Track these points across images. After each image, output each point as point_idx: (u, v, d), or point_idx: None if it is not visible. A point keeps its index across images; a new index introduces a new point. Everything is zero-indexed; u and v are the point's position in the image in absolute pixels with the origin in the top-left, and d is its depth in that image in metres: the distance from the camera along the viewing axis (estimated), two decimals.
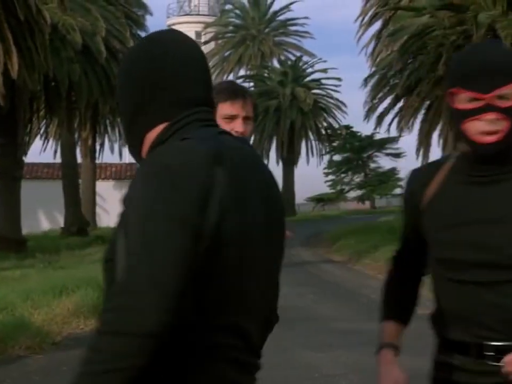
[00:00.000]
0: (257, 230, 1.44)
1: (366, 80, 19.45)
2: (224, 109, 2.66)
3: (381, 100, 18.90)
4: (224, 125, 2.61)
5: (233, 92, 2.69)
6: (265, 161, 40.55)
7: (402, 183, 45.21)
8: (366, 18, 25.38)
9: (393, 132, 23.08)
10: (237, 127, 2.64)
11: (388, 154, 50.91)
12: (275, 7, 45.64)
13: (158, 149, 1.44)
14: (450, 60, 11.02)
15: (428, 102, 18.16)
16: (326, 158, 46.47)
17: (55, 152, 29.73)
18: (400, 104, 18.93)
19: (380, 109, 19.54)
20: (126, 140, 1.59)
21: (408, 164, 52.14)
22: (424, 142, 18.47)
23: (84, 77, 21.31)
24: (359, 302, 9.96)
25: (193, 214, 1.34)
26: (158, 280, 1.29)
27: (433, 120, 17.95)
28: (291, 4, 42.96)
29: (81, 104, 21.73)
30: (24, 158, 22.07)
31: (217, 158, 1.40)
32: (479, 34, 16.20)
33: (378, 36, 24.58)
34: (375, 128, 19.81)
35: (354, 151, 50.80)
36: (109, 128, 29.09)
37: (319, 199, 53.86)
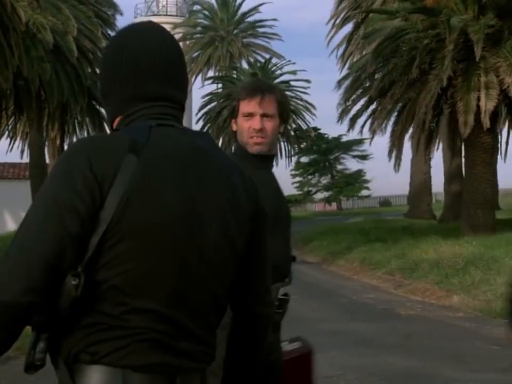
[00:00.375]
0: (170, 219, 1.46)
1: (339, 82, 19.55)
2: (242, 106, 2.71)
3: (354, 102, 19.02)
4: (243, 123, 2.70)
5: (251, 89, 2.71)
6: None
7: (369, 184, 45.09)
8: (338, 20, 25.59)
9: (366, 134, 23.30)
10: (254, 124, 2.66)
11: (354, 156, 51.39)
12: (243, 8, 45.70)
13: (87, 136, 1.61)
14: (424, 62, 11.12)
15: (400, 104, 18.30)
16: (295, 159, 46.68)
17: (22, 152, 29.40)
18: (373, 106, 19.07)
19: (353, 111, 19.66)
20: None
21: (374, 165, 52.57)
22: (396, 144, 18.61)
23: (55, 76, 21.06)
24: (340, 303, 10.01)
25: (76, 197, 1.40)
26: (19, 262, 1.37)
27: (406, 123, 18.10)
28: (260, 5, 43.12)
29: (51, 103, 21.47)
30: None
31: (132, 147, 1.45)
32: (452, 38, 16.40)
33: (349, 38, 24.81)
34: (348, 130, 19.85)
35: (321, 153, 51.10)
36: (77, 128, 28.81)
37: (287, 201, 54.08)
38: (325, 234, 21.52)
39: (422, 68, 16.89)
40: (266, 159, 2.73)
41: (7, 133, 26.63)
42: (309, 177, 52.99)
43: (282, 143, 39.05)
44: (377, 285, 12.18)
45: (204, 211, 1.51)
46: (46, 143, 26.76)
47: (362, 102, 19.22)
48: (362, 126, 19.71)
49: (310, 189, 53.73)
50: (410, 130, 18.96)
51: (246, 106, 2.68)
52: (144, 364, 1.43)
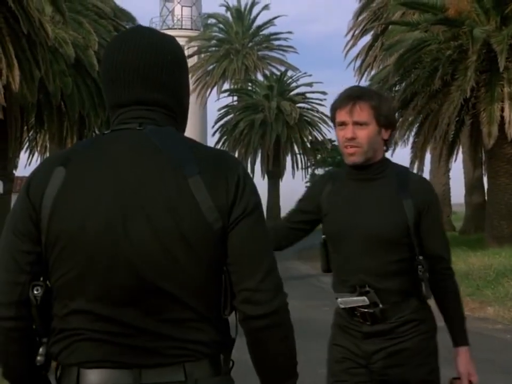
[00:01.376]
0: (95, 221, 1.52)
1: None
2: (336, 116, 2.67)
3: None
4: (338, 132, 2.66)
5: (342, 98, 2.66)
6: (251, 175, 40.82)
7: None
8: (356, 32, 25.63)
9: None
10: (346, 133, 2.61)
11: None
12: (258, 21, 45.86)
13: None
14: (446, 73, 11.08)
15: (421, 116, 18.28)
16: (310, 171, 46.61)
17: None
18: None
19: None
20: None
21: None
22: (418, 156, 18.57)
23: (76, 90, 21.19)
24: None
25: (18, 220, 1.56)
26: None
27: (428, 134, 18.06)
28: (275, 18, 43.28)
29: (72, 116, 21.58)
30: (14, 171, 21.86)
31: (63, 159, 1.56)
32: (475, 49, 16.40)
33: (368, 50, 24.84)
34: None
35: (336, 165, 51.11)
36: None
37: None
38: None
39: (444, 79, 16.88)
40: (366, 170, 2.64)
41: (25, 146, 26.78)
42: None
43: (298, 155, 39.09)
44: None
45: (136, 211, 1.52)
46: None
47: None
48: None
49: None
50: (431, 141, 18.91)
51: (338, 115, 2.64)
52: (89, 361, 1.53)
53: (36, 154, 28.82)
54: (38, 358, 1.58)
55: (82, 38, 21.00)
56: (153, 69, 1.59)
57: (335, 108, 2.66)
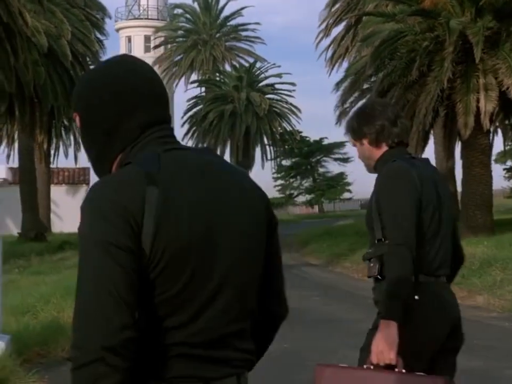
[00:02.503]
0: (195, 239, 1.55)
1: (337, 85, 19.62)
2: None
3: (353, 104, 19.11)
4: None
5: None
6: None
7: (350, 187, 45.19)
8: (329, 22, 25.66)
9: None
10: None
11: (336, 159, 51.59)
12: (226, 12, 45.67)
13: (107, 176, 1.62)
14: (423, 65, 11.27)
15: (398, 106, 18.42)
16: (277, 162, 46.70)
17: (8, 156, 29.10)
18: None
19: (348, 113, 19.75)
20: (97, 169, 1.71)
21: (355, 168, 52.89)
22: None
23: (49, 80, 20.88)
24: (368, 303, 10.04)
25: (119, 237, 1.49)
26: (97, 304, 1.46)
27: None
28: (242, 9, 43.10)
29: (45, 107, 21.28)
30: None
31: (149, 179, 1.54)
32: (452, 40, 16.57)
33: (340, 40, 24.93)
34: (346, 133, 19.89)
35: (303, 156, 51.23)
36: (63, 132, 28.64)
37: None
38: (321, 237, 21.59)
39: (421, 70, 17.04)
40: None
41: None
42: (291, 180, 53.09)
43: (267, 147, 39.13)
44: None
45: (227, 222, 1.60)
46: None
47: (359, 104, 19.31)
48: None
49: (292, 192, 53.84)
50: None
51: None
52: (180, 376, 1.53)
53: (3, 145, 28.45)
54: None
55: (54, 27, 20.70)
56: (164, 87, 1.72)
57: None
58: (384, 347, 2.63)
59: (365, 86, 19.20)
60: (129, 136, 1.64)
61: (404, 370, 2.63)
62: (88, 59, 23.05)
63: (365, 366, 2.70)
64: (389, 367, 2.64)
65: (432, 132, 19.76)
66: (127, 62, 1.70)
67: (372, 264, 2.80)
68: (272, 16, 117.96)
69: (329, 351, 6.42)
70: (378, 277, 2.77)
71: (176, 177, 1.58)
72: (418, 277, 2.76)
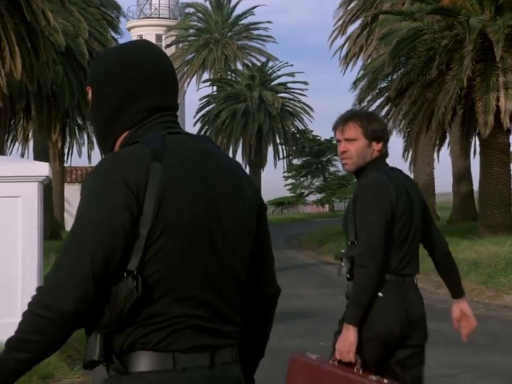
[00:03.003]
0: (196, 216, 1.64)
1: (355, 83, 19.57)
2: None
3: (371, 103, 19.06)
4: (338, 147, 3.27)
5: (337, 120, 3.26)
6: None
7: None
8: (344, 21, 25.63)
9: None
10: (340, 148, 3.21)
11: None
12: (238, 11, 45.66)
13: (113, 152, 1.71)
14: (441, 63, 11.24)
15: (416, 105, 18.36)
16: (288, 161, 46.62)
17: (23, 155, 29.15)
18: (387, 107, 19.13)
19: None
20: (100, 143, 1.78)
21: None
22: (413, 145, 18.67)
23: (66, 79, 20.92)
24: None
25: (113, 216, 1.57)
26: (72, 274, 1.55)
27: (422, 123, 18.16)
28: (254, 8, 43.05)
29: (62, 106, 21.31)
30: None
31: (155, 156, 1.62)
32: (471, 38, 16.50)
33: (355, 39, 24.89)
34: None
35: (313, 155, 51.20)
36: (77, 131, 28.69)
37: (280, 203, 54.09)
38: (337, 236, 21.51)
39: (440, 69, 16.98)
40: (357, 174, 3.23)
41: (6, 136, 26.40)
42: (302, 179, 53.07)
43: (279, 146, 39.10)
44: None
45: (221, 205, 1.69)
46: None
47: (377, 103, 19.27)
48: None
49: (303, 191, 53.82)
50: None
51: (335, 134, 3.26)
52: (188, 347, 1.62)
53: (17, 144, 28.51)
54: (100, 352, 1.60)
55: (72, 26, 20.72)
56: (175, 76, 1.80)
57: (333, 128, 3.28)
58: (344, 348, 2.98)
59: (383, 84, 19.13)
60: (135, 117, 1.71)
61: (361, 371, 2.95)
62: None
63: (330, 361, 3.02)
64: (350, 364, 2.98)
65: (448, 130, 19.68)
66: (144, 46, 1.77)
67: (342, 264, 3.07)
68: (282, 15, 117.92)
69: None
70: (348, 276, 3.06)
71: (179, 158, 1.66)
72: (385, 276, 3.04)
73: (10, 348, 1.59)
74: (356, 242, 3.03)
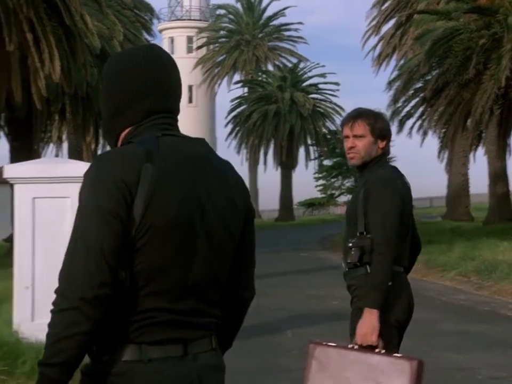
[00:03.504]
0: (182, 216, 1.73)
1: (389, 84, 19.46)
2: (343, 131, 3.49)
3: (406, 103, 18.93)
4: (345, 143, 3.47)
5: (346, 117, 3.50)
6: (263, 166, 39.62)
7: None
8: (377, 21, 25.50)
9: (415, 136, 23.10)
10: (348, 144, 3.41)
11: None
12: (269, 12, 45.64)
13: (111, 150, 1.82)
14: (479, 63, 11.13)
15: (452, 106, 18.19)
16: (318, 162, 46.45)
17: (57, 156, 29.44)
18: (422, 107, 18.99)
19: (401, 112, 19.56)
20: (105, 137, 1.94)
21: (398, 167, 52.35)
22: (448, 145, 18.50)
23: (100, 81, 21.06)
24: (435, 304, 9.93)
25: (113, 205, 1.67)
26: (88, 261, 1.65)
27: (459, 124, 18.00)
28: (285, 9, 43.03)
29: (96, 108, 21.47)
30: None
31: (147, 157, 1.73)
32: (510, 37, 16.32)
33: (389, 39, 24.74)
34: (398, 132, 19.73)
35: (344, 156, 50.89)
36: None
37: (310, 204, 53.93)
38: None
39: (477, 68, 16.80)
40: (362, 169, 3.43)
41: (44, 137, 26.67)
42: (332, 180, 52.80)
43: (311, 146, 39.02)
44: (454, 286, 12.08)
45: (208, 207, 1.77)
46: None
47: (412, 103, 19.13)
48: (411, 128, 19.65)
49: (333, 192, 53.56)
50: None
51: (343, 130, 3.46)
52: (158, 340, 1.71)
53: (51, 145, 28.80)
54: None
55: (107, 29, 20.87)
56: (179, 84, 1.89)
57: (341, 124, 3.51)
58: (368, 331, 3.13)
59: (418, 85, 18.99)
60: (134, 118, 1.82)
61: (383, 351, 3.08)
62: None
63: (349, 346, 3.12)
64: (371, 348, 3.12)
65: (484, 131, 19.47)
66: (146, 52, 1.86)
67: (353, 253, 3.26)
68: (312, 16, 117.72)
69: (418, 353, 6.32)
70: (358, 263, 3.27)
71: (170, 160, 1.76)
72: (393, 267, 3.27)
73: (43, 362, 1.65)
74: (364, 233, 3.25)
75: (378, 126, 3.40)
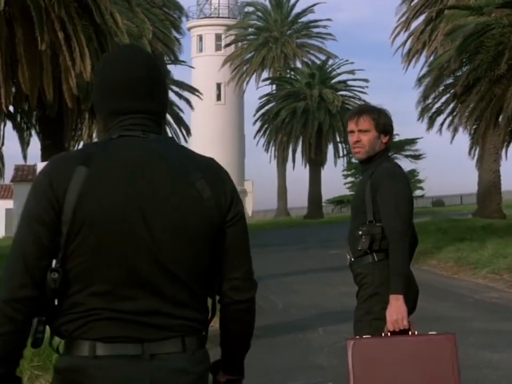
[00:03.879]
0: (117, 215, 1.74)
1: (419, 80, 19.30)
2: (347, 126, 3.62)
3: (436, 99, 18.76)
4: (349, 138, 3.60)
5: (351, 113, 3.65)
6: (291, 164, 39.40)
7: (422, 184, 44.31)
8: (407, 17, 25.32)
9: (445, 132, 22.81)
10: (353, 138, 3.55)
11: (407, 156, 50.84)
12: (297, 9, 45.55)
13: (54, 156, 1.88)
14: (511, 58, 10.88)
15: (483, 102, 17.98)
16: (346, 160, 46.27)
17: None
18: (453, 104, 18.81)
19: (431, 109, 19.39)
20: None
21: (427, 165, 52.06)
22: (479, 142, 18.31)
23: None
24: (468, 301, 9.84)
25: (41, 209, 1.75)
26: (9, 265, 1.77)
27: (490, 120, 17.79)
28: (314, 5, 42.88)
29: None
30: None
31: (83, 160, 1.77)
32: None
33: (419, 35, 24.55)
34: (428, 129, 19.56)
35: None
36: None
37: (339, 201, 53.76)
38: None
39: (509, 64, 16.59)
40: (366, 163, 3.55)
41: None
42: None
43: (339, 143, 38.90)
44: (487, 284, 11.95)
45: (152, 207, 1.77)
46: None
47: (443, 99, 18.96)
48: (442, 124, 19.47)
49: None
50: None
51: (349, 125, 3.59)
52: (104, 337, 1.74)
53: (82, 143, 29.05)
54: (38, 335, 1.78)
55: (136, 27, 20.97)
56: (149, 82, 1.87)
57: (346, 120, 3.63)
58: (398, 316, 3.21)
59: (449, 81, 18.81)
60: (108, 119, 1.87)
61: (416, 332, 3.22)
62: (167, 58, 23.32)
63: (383, 334, 3.24)
64: (402, 332, 3.22)
65: None
66: (119, 52, 1.91)
67: (364, 240, 3.38)
68: (340, 12, 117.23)
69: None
70: (368, 251, 3.40)
71: (111, 161, 1.78)
72: None
73: None
74: (374, 221, 3.39)
75: (382, 122, 3.52)
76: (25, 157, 24.14)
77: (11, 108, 18.64)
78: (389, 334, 3.24)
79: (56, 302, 1.79)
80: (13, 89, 15.22)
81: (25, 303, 1.74)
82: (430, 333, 3.20)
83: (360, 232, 3.40)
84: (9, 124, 20.87)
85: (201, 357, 1.83)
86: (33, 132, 22.24)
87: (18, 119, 21.23)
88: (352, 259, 3.50)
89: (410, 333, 3.24)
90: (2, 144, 20.18)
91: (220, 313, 1.93)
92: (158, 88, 1.88)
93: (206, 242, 1.82)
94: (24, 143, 22.80)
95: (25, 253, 1.76)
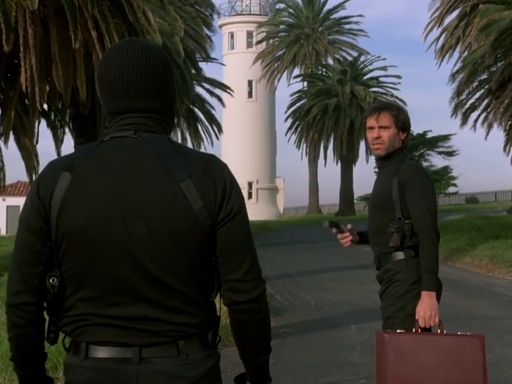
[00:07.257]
0: (99, 219, 1.73)
1: (453, 76, 19.11)
2: (367, 122, 3.62)
3: (470, 96, 18.56)
4: (368, 134, 3.62)
5: (371, 109, 3.65)
6: (323, 161, 39.36)
7: (456, 181, 43.68)
8: (441, 12, 25.04)
9: (479, 129, 22.62)
10: (373, 134, 3.56)
11: (440, 153, 50.34)
12: (329, 5, 45.34)
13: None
14: None
15: None
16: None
17: None
18: (487, 100, 18.59)
19: (465, 105, 19.18)
20: None
21: (461, 162, 51.52)
22: None
23: None
24: (504, 300, 9.71)
25: (30, 217, 1.78)
26: (10, 272, 1.81)
27: None
28: (345, 1, 42.63)
29: None
30: None
31: (68, 165, 1.76)
32: None
33: (453, 30, 24.25)
34: (462, 125, 19.35)
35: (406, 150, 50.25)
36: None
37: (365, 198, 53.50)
38: None
39: None
40: (385, 159, 3.58)
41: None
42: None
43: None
44: None
45: (135, 211, 1.73)
46: None
47: (477, 95, 18.74)
48: (476, 120, 19.24)
49: None
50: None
51: (368, 122, 3.60)
52: (96, 341, 1.77)
53: None
54: (51, 335, 1.82)
55: (168, 25, 21.05)
56: (148, 80, 1.80)
57: (365, 116, 3.63)
58: (431, 313, 3.27)
59: (483, 76, 18.60)
60: (107, 119, 1.85)
61: (445, 331, 3.30)
62: (199, 56, 23.38)
63: (413, 330, 3.29)
64: (428, 330, 3.29)
65: None
66: (112, 50, 1.83)
67: (396, 237, 3.41)
68: (372, 8, 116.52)
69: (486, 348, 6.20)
70: (399, 248, 3.42)
71: (92, 165, 1.76)
72: None
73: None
74: (402, 218, 3.43)
75: (401, 119, 3.56)
76: (59, 155, 24.41)
77: (45, 106, 18.83)
78: (419, 330, 3.28)
79: (59, 304, 1.83)
80: (47, 88, 15.37)
81: (23, 308, 1.80)
82: (459, 333, 3.26)
83: (392, 229, 3.43)
84: (43, 122, 21.08)
85: (199, 360, 1.79)
86: (66, 130, 22.46)
87: (52, 117, 21.42)
88: (379, 254, 3.53)
89: (439, 330, 3.30)
90: (37, 142, 20.42)
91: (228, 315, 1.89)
92: (159, 85, 1.81)
93: (197, 245, 1.76)
94: (58, 141, 23.03)
95: (20, 260, 1.80)
